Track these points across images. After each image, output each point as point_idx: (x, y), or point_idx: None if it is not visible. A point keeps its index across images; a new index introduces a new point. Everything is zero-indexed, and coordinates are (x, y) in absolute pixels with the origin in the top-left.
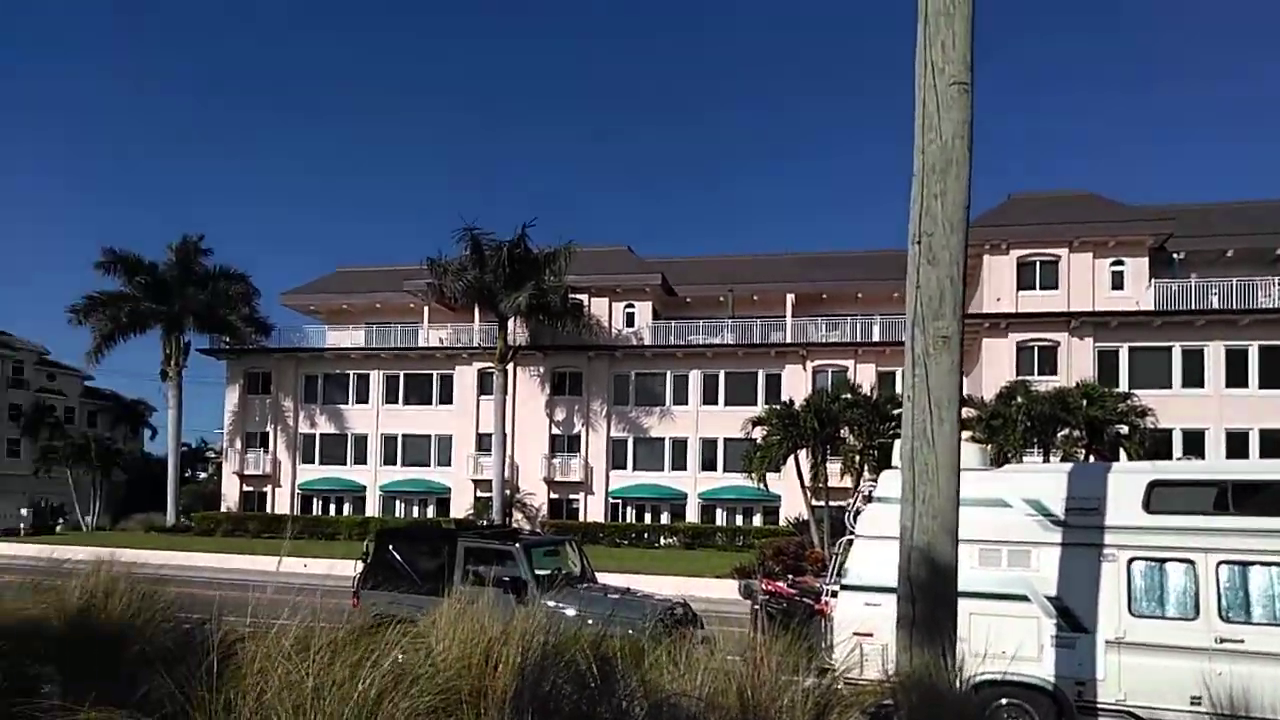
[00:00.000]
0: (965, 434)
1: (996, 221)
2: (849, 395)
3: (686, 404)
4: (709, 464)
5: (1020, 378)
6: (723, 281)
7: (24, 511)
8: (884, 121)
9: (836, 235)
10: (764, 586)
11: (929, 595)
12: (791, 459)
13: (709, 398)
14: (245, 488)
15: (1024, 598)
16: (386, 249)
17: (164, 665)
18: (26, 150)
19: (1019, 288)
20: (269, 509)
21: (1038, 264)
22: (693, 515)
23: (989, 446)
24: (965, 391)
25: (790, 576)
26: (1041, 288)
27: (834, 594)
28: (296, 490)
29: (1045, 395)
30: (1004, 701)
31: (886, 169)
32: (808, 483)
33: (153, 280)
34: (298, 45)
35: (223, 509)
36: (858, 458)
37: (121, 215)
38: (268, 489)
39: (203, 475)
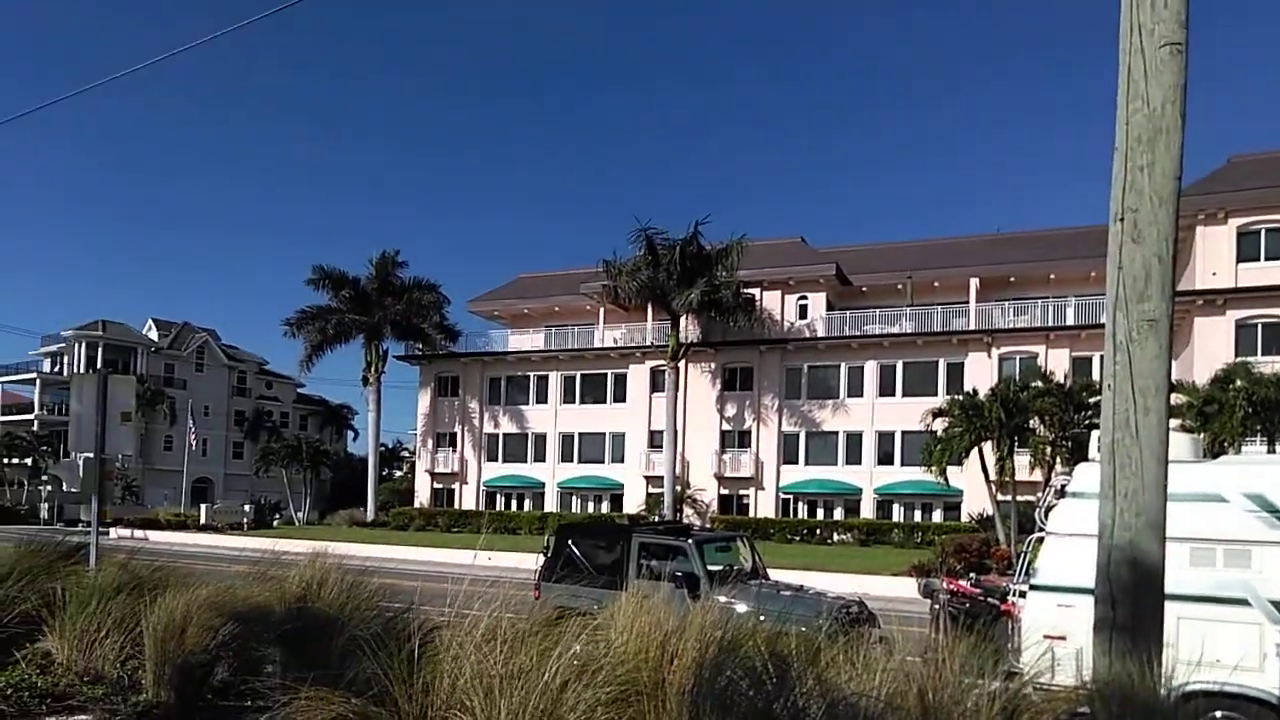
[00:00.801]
0: (1174, 423)
1: (1212, 188)
2: (1039, 383)
3: (862, 396)
4: (885, 457)
5: (1240, 359)
6: (901, 268)
7: (247, 507)
8: (1066, 100)
9: (1024, 215)
10: (945, 585)
11: (1131, 597)
12: (975, 451)
13: (886, 389)
14: (436, 485)
15: (1243, 602)
16: (566, 254)
17: (370, 650)
18: (240, 176)
19: (1239, 259)
20: (457, 505)
21: (1262, 232)
22: (868, 511)
23: (1201, 436)
24: (1174, 376)
25: (973, 575)
26: (1267, 258)
27: (1022, 594)
28: (482, 487)
29: (1271, 378)
30: (1218, 715)
31: (1076, 145)
32: (993, 476)
33: (356, 293)
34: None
35: (416, 505)
36: (1049, 450)
37: (325, 231)
38: (456, 485)
39: (398, 473)
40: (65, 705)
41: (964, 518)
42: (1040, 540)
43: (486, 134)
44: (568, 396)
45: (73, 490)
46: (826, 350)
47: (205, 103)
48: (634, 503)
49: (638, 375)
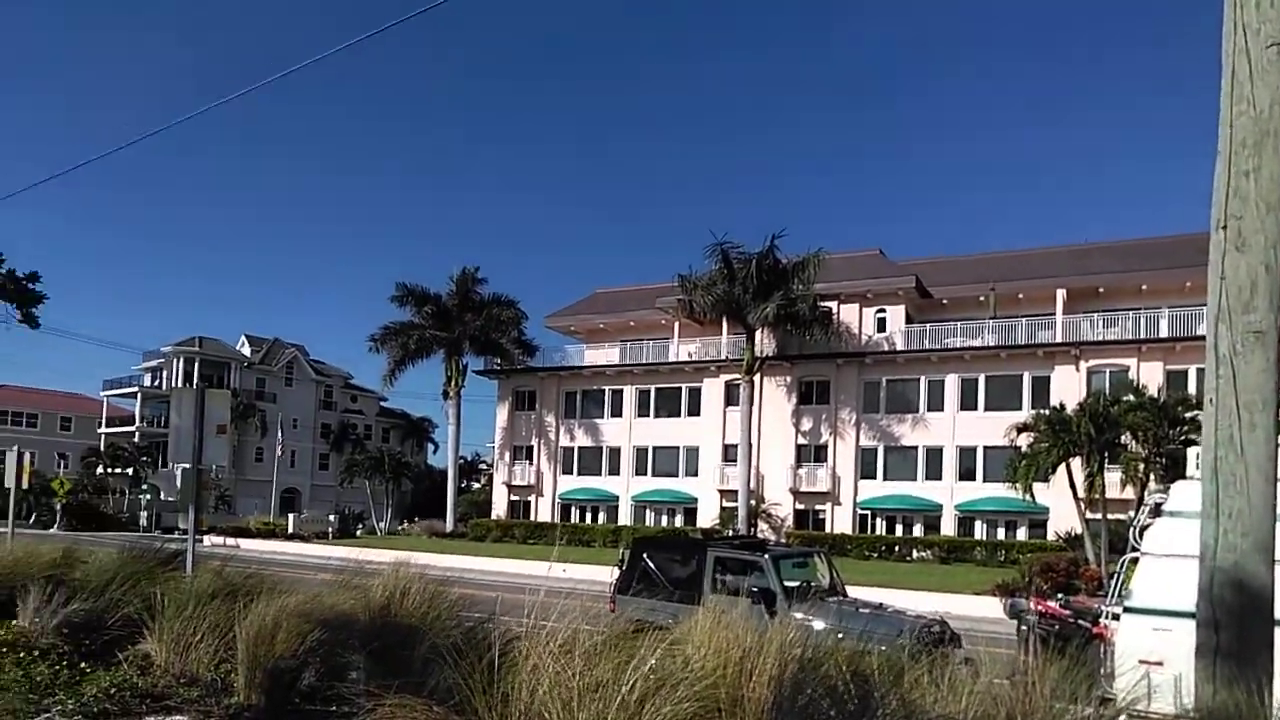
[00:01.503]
0: None
1: None
2: (1131, 397)
3: (942, 410)
4: (967, 473)
5: None
6: (983, 280)
7: (331, 517)
8: (1163, 105)
9: (1114, 225)
10: (1033, 606)
11: (1237, 621)
12: (1062, 468)
13: (967, 403)
14: (512, 497)
15: None
16: (642, 270)
17: (451, 659)
18: (324, 198)
19: None
20: (533, 516)
21: None
22: (948, 528)
23: None
24: None
25: (1062, 596)
26: None
27: (1115, 617)
28: (557, 499)
29: None
30: None
31: (1170, 151)
32: (1081, 494)
33: (437, 309)
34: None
35: (493, 516)
36: (1142, 466)
37: (406, 249)
38: (532, 498)
39: (476, 485)
40: (163, 705)
41: (1050, 536)
42: (1135, 561)
43: (567, 151)
44: (642, 410)
45: (170, 499)
46: (906, 364)
47: (289, 138)
48: (708, 517)
49: (712, 389)
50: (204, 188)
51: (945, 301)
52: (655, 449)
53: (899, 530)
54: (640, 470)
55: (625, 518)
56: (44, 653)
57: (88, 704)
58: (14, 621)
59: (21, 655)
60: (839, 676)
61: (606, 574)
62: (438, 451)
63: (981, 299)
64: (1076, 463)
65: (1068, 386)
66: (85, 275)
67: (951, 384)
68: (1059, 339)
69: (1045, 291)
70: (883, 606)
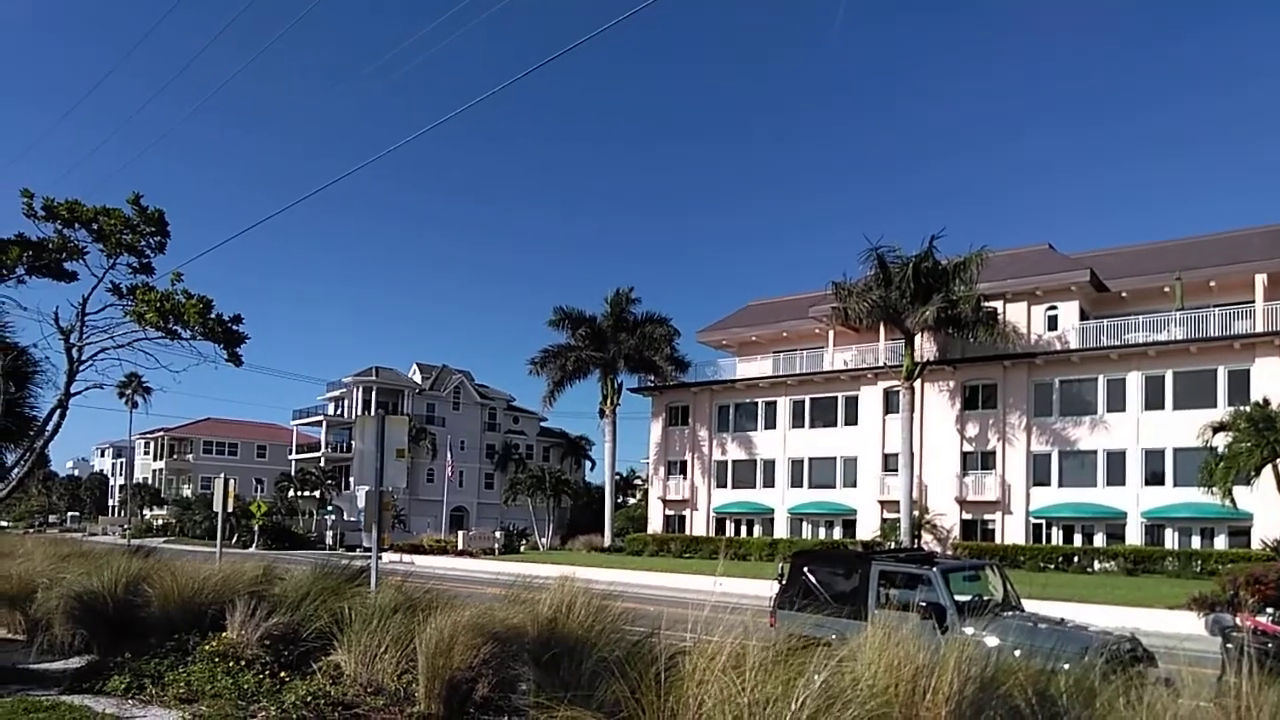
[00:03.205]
0: None
1: None
2: None
3: (1123, 410)
4: (1155, 478)
5: None
6: (1167, 269)
7: (497, 534)
8: None
9: None
10: (1241, 621)
11: None
12: (1268, 469)
13: (1153, 402)
14: (667, 511)
15: None
16: (795, 280)
17: (618, 672)
18: (486, 233)
19: None
20: (688, 530)
21: None
22: (1134, 536)
23: None
24: None
25: (1272, 610)
26: None
27: None
28: (712, 513)
29: None
30: None
31: None
32: None
33: (592, 331)
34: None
35: (649, 531)
36: None
37: (564, 272)
38: (687, 512)
39: (632, 500)
40: (353, 714)
41: (1255, 544)
42: None
43: (724, 165)
44: (796, 421)
45: (353, 519)
46: (1081, 363)
47: (448, 174)
48: (868, 529)
49: (870, 397)
50: (385, 222)
51: (1124, 295)
52: (811, 460)
53: (1078, 540)
54: (796, 482)
55: (781, 531)
56: (249, 662)
57: (287, 711)
58: (223, 634)
59: (230, 664)
60: (1022, 697)
61: (764, 588)
62: (595, 468)
63: (1166, 289)
64: None
65: (1272, 380)
66: (278, 312)
67: (1134, 382)
68: (1259, 328)
69: (1241, 278)
70: (1064, 622)
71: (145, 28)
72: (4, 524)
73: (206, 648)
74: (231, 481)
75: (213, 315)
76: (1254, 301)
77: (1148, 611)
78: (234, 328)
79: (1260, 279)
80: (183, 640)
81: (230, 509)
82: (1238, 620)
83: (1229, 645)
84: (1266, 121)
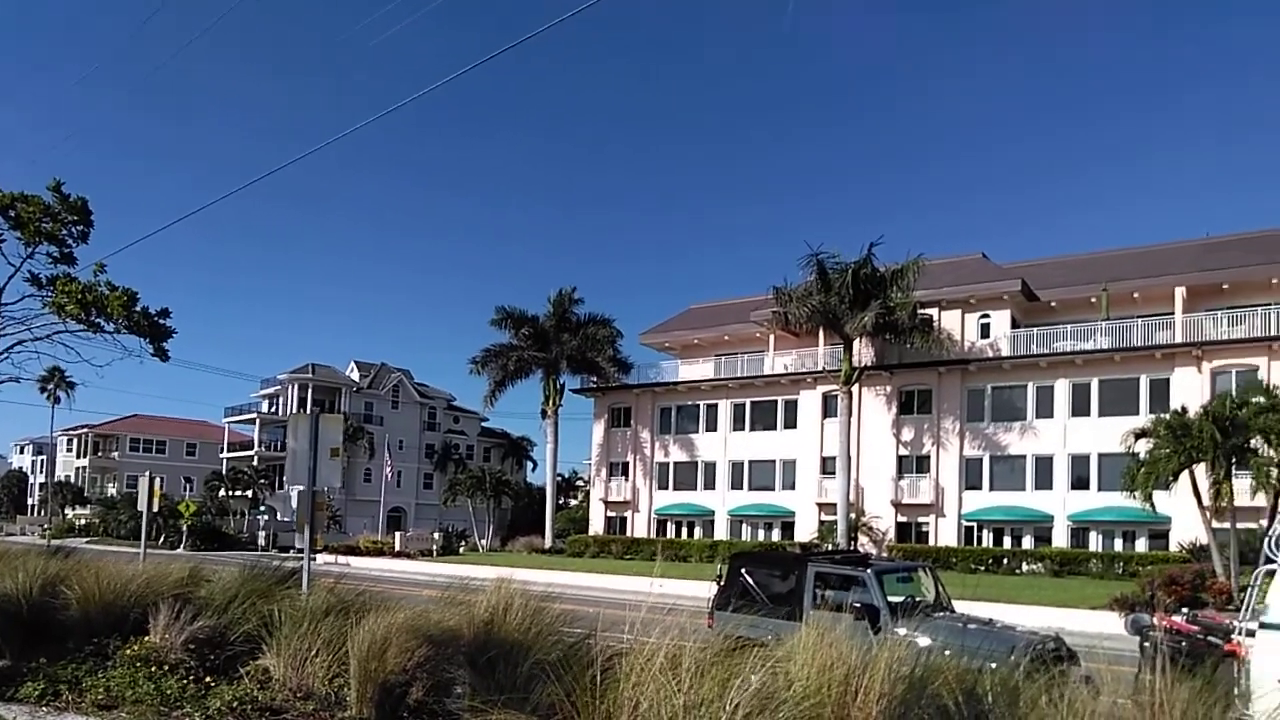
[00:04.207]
0: None
1: None
2: (1262, 399)
3: (1052, 417)
4: (1080, 482)
5: None
6: (1094, 280)
7: (436, 535)
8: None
9: (1238, 216)
10: (1159, 621)
11: None
12: (1185, 475)
13: (1079, 409)
14: (609, 513)
15: None
16: (736, 284)
17: (554, 676)
18: (425, 226)
19: None
20: (629, 532)
21: None
22: (1060, 539)
23: None
24: None
25: (1188, 610)
26: None
27: (1250, 633)
28: (653, 514)
29: None
30: None
31: None
32: (1207, 502)
33: (535, 331)
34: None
35: (590, 532)
36: (1275, 472)
37: (508, 274)
38: (628, 514)
39: (573, 502)
40: (281, 719)
41: (1173, 547)
42: (1271, 573)
43: (661, 169)
44: (738, 424)
45: (287, 519)
46: (1012, 370)
47: (388, 166)
48: (806, 530)
49: (809, 401)
50: (314, 227)
51: (1054, 304)
52: (751, 463)
53: (1007, 542)
54: (736, 484)
55: (721, 532)
56: (173, 667)
57: (212, 716)
58: (146, 638)
59: (153, 669)
60: (950, 696)
61: (703, 589)
62: (536, 469)
63: (1093, 300)
64: (1201, 469)
65: (1189, 389)
66: (210, 307)
67: (1062, 389)
68: (1179, 339)
69: (1163, 290)
70: (992, 622)
71: (71, 14)
72: None
73: (128, 652)
74: (158, 480)
75: (138, 308)
76: (1174, 313)
77: (1072, 612)
78: (160, 321)
79: (1180, 292)
80: (103, 644)
81: (157, 508)
82: (1154, 620)
83: (1146, 644)
84: (1193, 136)
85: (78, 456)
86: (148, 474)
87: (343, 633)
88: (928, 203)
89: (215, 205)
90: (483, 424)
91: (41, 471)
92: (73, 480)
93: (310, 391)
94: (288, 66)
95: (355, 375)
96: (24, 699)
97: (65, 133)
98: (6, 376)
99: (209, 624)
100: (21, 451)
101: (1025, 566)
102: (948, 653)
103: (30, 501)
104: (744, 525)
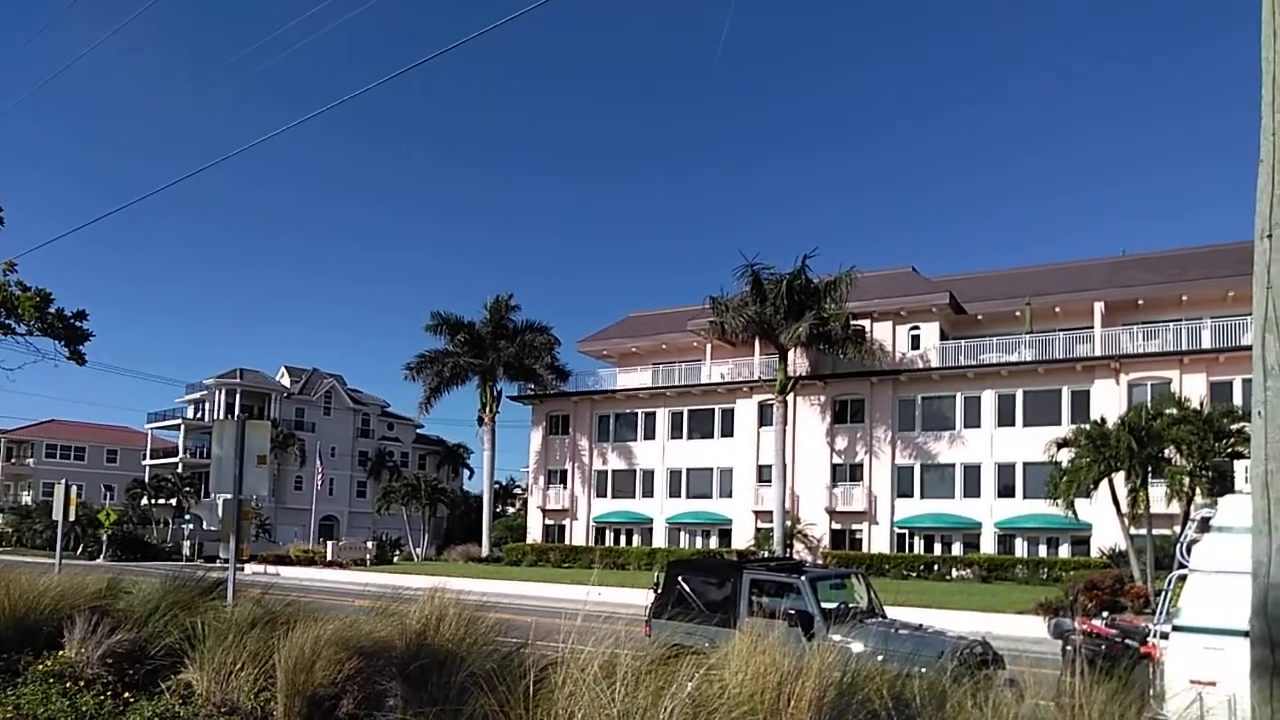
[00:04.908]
0: None
1: None
2: (1174, 410)
3: (979, 427)
4: (1006, 490)
5: None
6: (1019, 295)
7: (369, 544)
8: (1199, 108)
9: (1150, 236)
10: (1078, 625)
11: None
12: (1105, 483)
13: (1005, 419)
14: (547, 521)
15: None
16: (673, 293)
17: (487, 686)
18: (360, 229)
19: None
20: (567, 540)
21: None
22: (988, 546)
23: None
24: None
25: (1107, 614)
26: None
27: (1164, 635)
28: (591, 522)
29: None
30: None
31: (1209, 158)
32: (1125, 509)
33: (471, 337)
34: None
35: (528, 541)
36: (1187, 481)
37: (444, 278)
38: (566, 521)
39: (511, 510)
40: None
41: (1094, 553)
42: (1183, 578)
43: (599, 177)
44: (675, 432)
45: (213, 528)
46: (941, 380)
47: (321, 167)
48: (743, 538)
49: (745, 410)
50: (244, 221)
51: (980, 317)
52: (689, 471)
53: (938, 549)
54: (674, 492)
55: (660, 540)
56: (89, 683)
57: None
58: (60, 652)
59: (68, 685)
60: (880, 701)
61: (641, 597)
62: (473, 477)
63: (1017, 314)
64: (1119, 478)
65: (1108, 400)
66: (131, 309)
67: (988, 400)
68: (1098, 352)
69: (1082, 305)
70: (923, 627)
71: None
72: None
73: (40, 668)
74: (75, 488)
75: (52, 310)
76: (1093, 327)
77: (999, 616)
78: (76, 324)
79: (1099, 307)
80: (13, 660)
81: (74, 517)
82: (1076, 624)
83: (1068, 647)
84: (1108, 167)
85: None
86: (63, 482)
87: (270, 645)
88: (868, 225)
89: (135, 207)
90: (418, 431)
91: None
92: None
93: (238, 397)
94: (180, 76)
95: (286, 381)
96: None
97: None
98: None
99: (128, 637)
100: None
101: (955, 573)
102: (879, 658)
103: None
104: (682, 533)
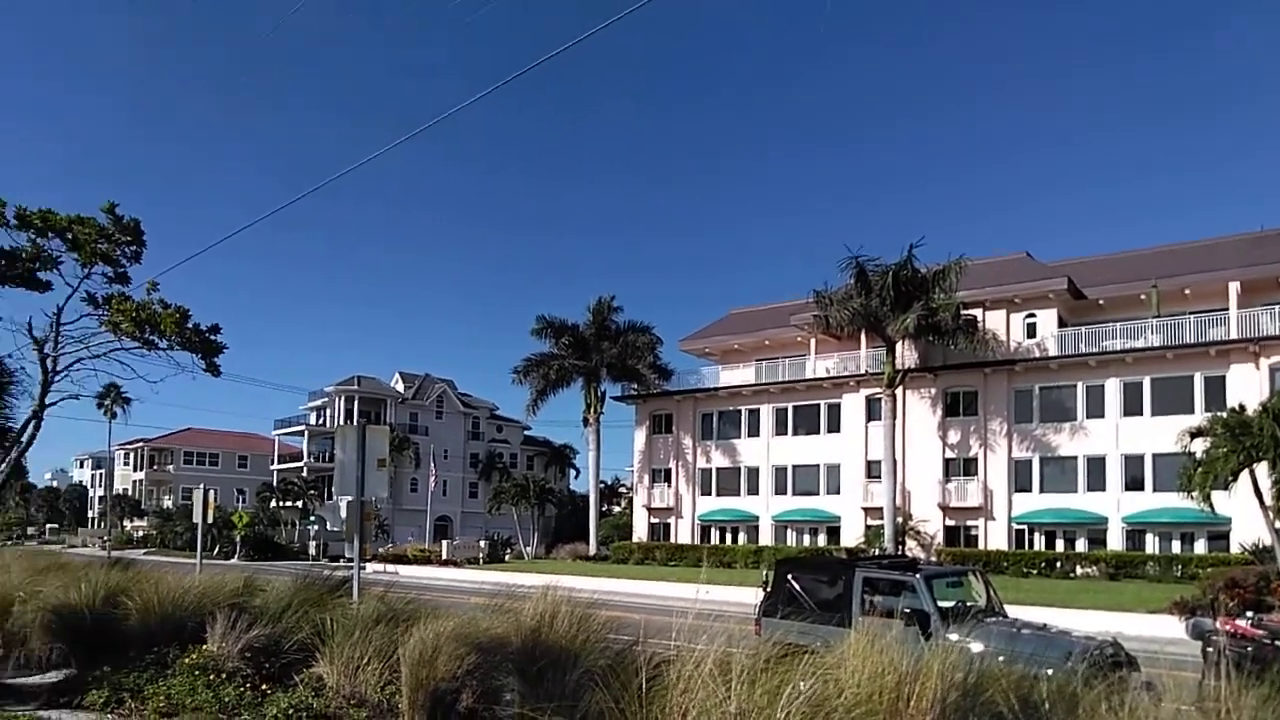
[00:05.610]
0: None
1: None
2: None
3: (1103, 417)
4: (1134, 483)
5: None
6: (1143, 277)
7: (481, 543)
8: None
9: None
10: (1222, 626)
11: None
12: (1245, 474)
13: (1131, 408)
14: (652, 519)
15: None
16: (776, 289)
17: (602, 683)
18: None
19: None
20: (673, 538)
21: None
22: (1115, 542)
23: None
24: None
25: (1252, 614)
26: None
27: None
28: (696, 521)
29: None
30: None
31: None
32: (1269, 502)
33: (575, 339)
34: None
35: (634, 539)
36: None
37: (549, 285)
38: (671, 520)
39: (617, 509)
40: None
41: (1234, 548)
42: None
43: (699, 177)
44: (780, 429)
45: (336, 529)
46: (1060, 370)
47: (420, 188)
48: (852, 535)
49: (852, 404)
50: (366, 237)
51: (1101, 302)
52: (795, 467)
53: (1059, 545)
54: (780, 489)
55: (766, 538)
56: (230, 675)
57: None
58: (204, 646)
59: (211, 677)
60: (1005, 703)
61: (748, 595)
62: (579, 477)
63: (1143, 297)
64: (1262, 469)
65: (1246, 386)
66: (257, 323)
67: (1113, 389)
68: (1234, 335)
69: (1215, 285)
70: (1046, 627)
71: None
72: None
73: (186, 660)
74: (212, 492)
75: (190, 325)
76: (1228, 309)
77: (1129, 616)
78: (212, 338)
79: (1234, 286)
80: (163, 653)
81: (211, 520)
82: (1217, 624)
83: (1209, 649)
84: (1242, 139)
85: (134, 470)
86: (202, 487)
87: (393, 641)
88: (971, 210)
89: (258, 225)
90: (525, 432)
91: (100, 485)
92: (130, 493)
93: (356, 403)
94: (317, 92)
95: (400, 386)
96: (90, 706)
97: (113, 156)
98: (67, 394)
99: (264, 633)
100: (81, 466)
101: (1079, 570)
102: (1001, 659)
103: (90, 514)
104: (789, 530)
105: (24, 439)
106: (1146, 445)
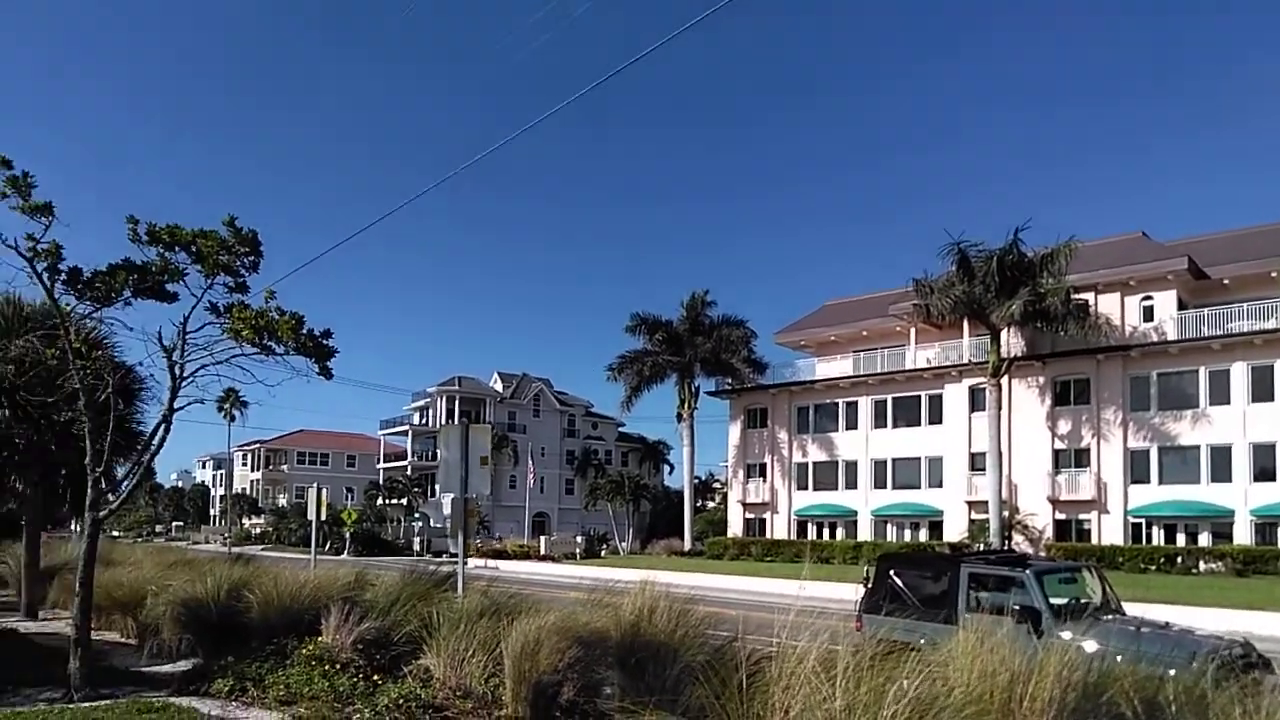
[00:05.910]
0: None
1: None
2: None
3: (1228, 403)
4: (1264, 473)
5: None
6: (1271, 254)
7: (578, 539)
8: None
9: None
10: None
11: None
12: None
13: (1261, 394)
14: (747, 515)
15: None
16: (868, 282)
17: (702, 678)
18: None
19: None
20: (768, 534)
21: None
22: (1242, 536)
23: None
24: None
25: None
26: None
27: None
28: (793, 516)
29: None
30: None
31: None
32: None
33: (668, 335)
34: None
35: (729, 534)
36: None
37: (641, 281)
38: (767, 515)
39: (711, 504)
40: (443, 716)
41: None
42: None
43: (796, 169)
44: (879, 421)
45: (439, 525)
46: (1180, 354)
47: (516, 186)
48: (955, 530)
49: (954, 395)
50: (454, 246)
51: (1226, 282)
52: (895, 460)
53: (1180, 540)
54: (879, 483)
55: (865, 533)
56: (344, 665)
57: (381, 713)
58: (319, 638)
59: (326, 668)
60: (1128, 705)
61: (847, 592)
62: (673, 473)
63: (1273, 275)
64: None
65: None
66: (357, 325)
67: (1239, 373)
68: None
69: None
70: (1169, 625)
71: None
72: (115, 534)
73: (303, 651)
74: (324, 490)
75: (304, 331)
76: None
77: (1261, 615)
78: (324, 342)
79: None
80: (281, 644)
81: (323, 517)
82: None
83: None
84: None
85: (252, 470)
86: (315, 485)
87: (496, 634)
88: (1084, 195)
89: (367, 229)
90: (620, 429)
91: (220, 484)
92: (248, 492)
93: (457, 403)
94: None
95: (499, 386)
96: (215, 694)
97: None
98: (192, 399)
99: (374, 625)
100: (204, 466)
101: (1202, 565)
102: (1120, 658)
103: (212, 512)
104: (888, 525)
105: (154, 442)
106: (1277, 433)
